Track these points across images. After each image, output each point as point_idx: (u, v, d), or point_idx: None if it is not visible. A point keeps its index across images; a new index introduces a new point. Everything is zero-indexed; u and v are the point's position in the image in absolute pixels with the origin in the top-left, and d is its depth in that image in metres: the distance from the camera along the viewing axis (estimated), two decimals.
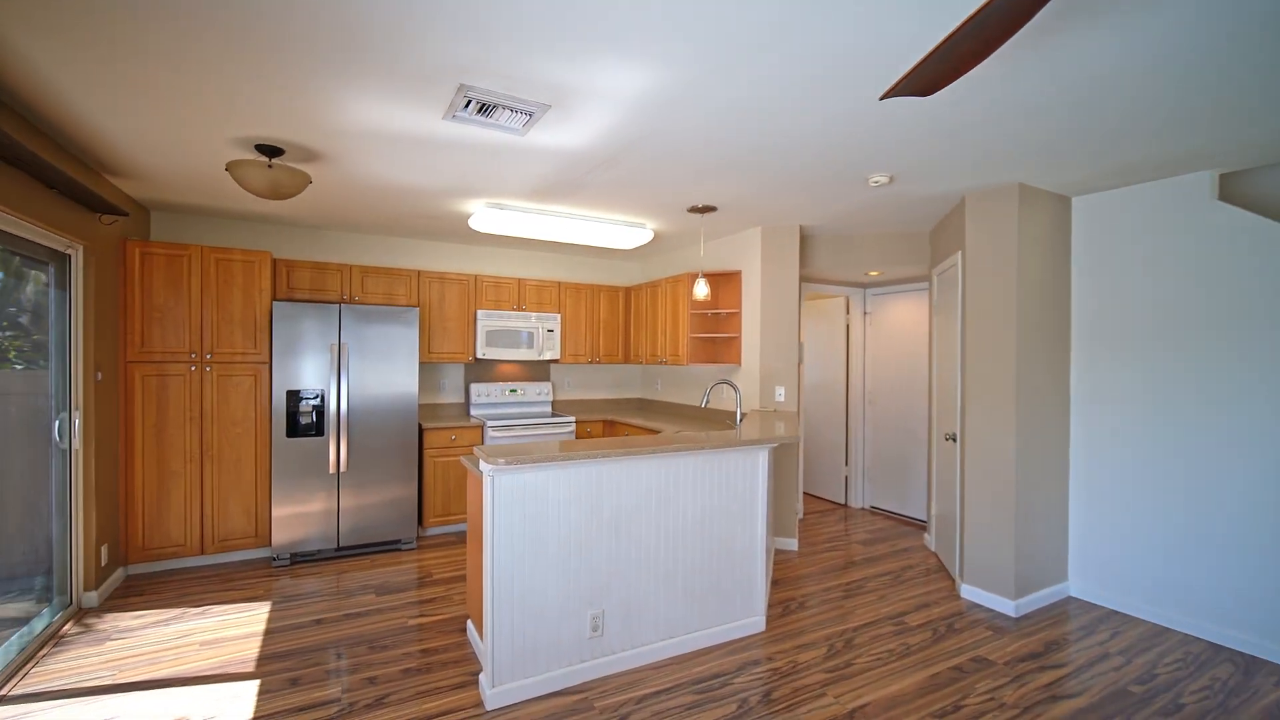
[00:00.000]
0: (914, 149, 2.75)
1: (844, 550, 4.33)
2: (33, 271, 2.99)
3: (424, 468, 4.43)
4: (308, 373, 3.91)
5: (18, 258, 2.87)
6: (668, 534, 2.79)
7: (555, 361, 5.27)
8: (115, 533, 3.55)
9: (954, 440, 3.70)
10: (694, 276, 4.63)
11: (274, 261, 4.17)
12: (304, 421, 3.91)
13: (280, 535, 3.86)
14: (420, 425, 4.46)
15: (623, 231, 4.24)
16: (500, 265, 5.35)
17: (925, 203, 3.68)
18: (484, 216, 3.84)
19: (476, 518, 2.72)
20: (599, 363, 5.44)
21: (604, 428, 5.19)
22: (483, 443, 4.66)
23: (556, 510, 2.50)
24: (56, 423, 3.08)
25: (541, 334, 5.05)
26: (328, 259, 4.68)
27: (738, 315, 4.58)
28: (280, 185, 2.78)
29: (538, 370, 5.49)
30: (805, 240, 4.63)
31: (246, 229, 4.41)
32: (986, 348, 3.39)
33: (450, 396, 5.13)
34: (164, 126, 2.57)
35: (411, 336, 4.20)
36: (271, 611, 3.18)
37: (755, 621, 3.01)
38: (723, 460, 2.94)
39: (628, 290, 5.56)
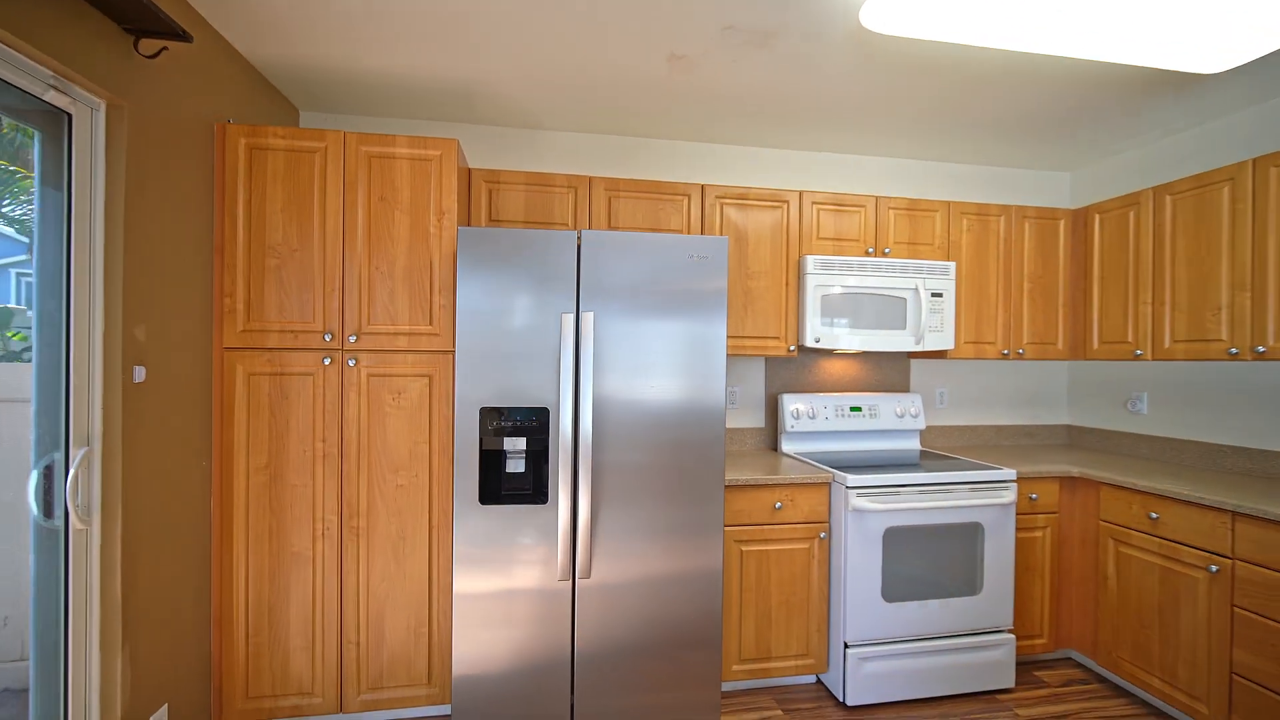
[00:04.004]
0: None
1: None
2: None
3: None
4: (519, 371, 1.93)
5: None
6: None
7: (939, 355, 2.74)
8: (203, 669, 1.89)
9: None
10: None
11: (467, 172, 2.32)
12: (511, 470, 1.95)
13: (467, 690, 1.93)
14: None
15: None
16: (837, 176, 2.99)
17: None
18: None
19: None
20: (1019, 357, 2.78)
21: (1060, 493, 2.51)
22: (828, 516, 2.32)
23: None
24: (34, 475, 1.42)
25: (922, 300, 2.57)
26: (552, 169, 2.76)
27: None
28: None
29: (892, 371, 3.02)
30: None
31: (427, 131, 2.67)
32: None
33: (742, 415, 2.90)
34: None
35: (715, 293, 2.01)
36: None
37: None
38: None
39: (1078, 216, 2.81)
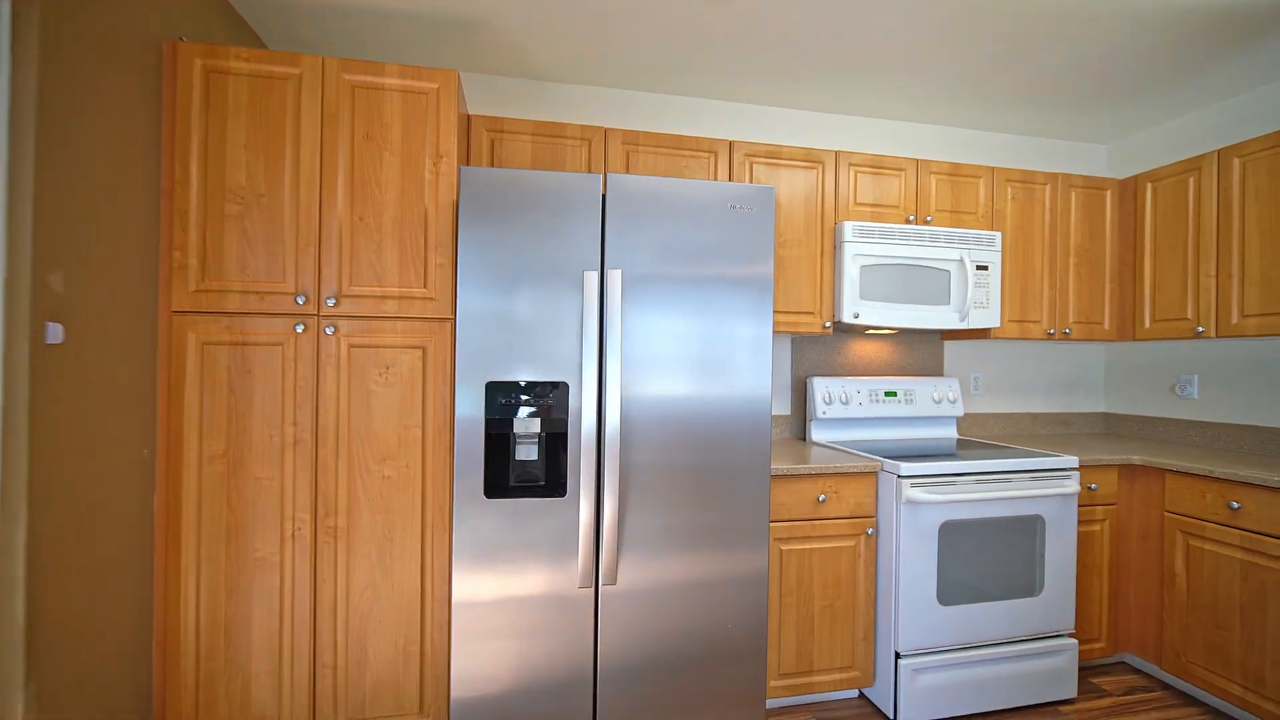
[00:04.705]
0: None
1: None
2: None
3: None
4: (532, 339, 1.64)
5: None
6: None
7: (978, 335, 2.52)
8: (140, 704, 1.54)
9: None
10: None
11: (466, 118, 2.01)
12: (522, 456, 1.65)
13: (468, 716, 1.62)
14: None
15: None
16: (871, 142, 2.75)
17: None
18: None
19: None
20: (1064, 337, 2.57)
21: (1119, 483, 2.30)
22: (876, 510, 2.06)
23: None
24: None
25: (968, 273, 2.34)
26: (563, 118, 2.47)
27: None
28: None
29: (925, 354, 2.79)
30: None
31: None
32: None
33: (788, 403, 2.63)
34: None
35: (760, 251, 1.74)
36: None
37: None
38: None
39: (1125, 185, 2.62)
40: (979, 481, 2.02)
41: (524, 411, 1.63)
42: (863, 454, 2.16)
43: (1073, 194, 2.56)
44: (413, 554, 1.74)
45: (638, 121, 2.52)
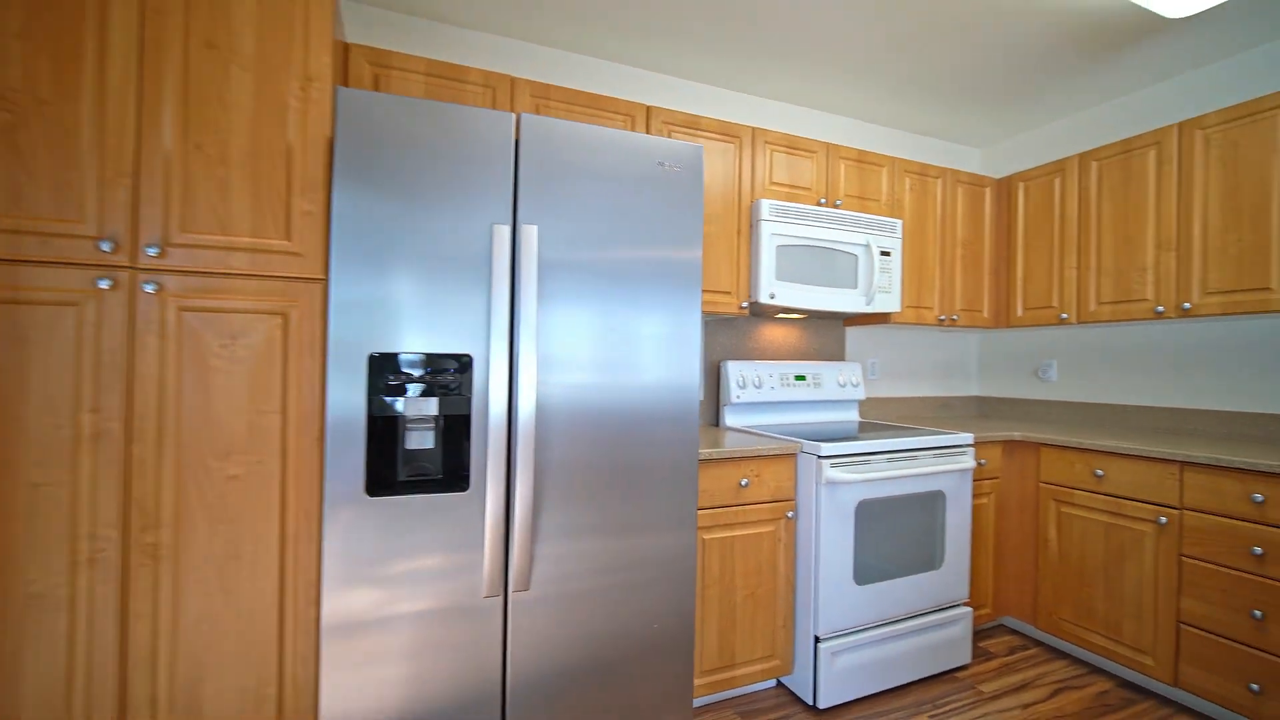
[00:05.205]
0: None
1: None
2: None
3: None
4: (428, 305, 1.36)
5: None
6: None
7: (880, 319, 2.59)
8: None
9: None
10: None
11: (343, 47, 1.67)
12: (415, 446, 1.37)
13: None
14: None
15: None
16: (785, 123, 2.74)
17: None
18: None
19: None
20: (953, 324, 2.73)
21: (1003, 458, 2.46)
22: (795, 493, 2.02)
23: None
24: None
25: (874, 258, 2.39)
26: (462, 61, 2.18)
27: None
28: None
29: (830, 340, 2.83)
30: None
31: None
32: None
33: (701, 387, 2.52)
34: None
35: (688, 217, 1.60)
36: None
37: None
38: None
39: (1001, 185, 2.84)
40: (891, 460, 2.05)
41: (417, 390, 1.36)
42: (783, 436, 2.11)
43: (959, 189, 2.73)
44: (268, 573, 1.39)
45: (549, 78, 2.30)
